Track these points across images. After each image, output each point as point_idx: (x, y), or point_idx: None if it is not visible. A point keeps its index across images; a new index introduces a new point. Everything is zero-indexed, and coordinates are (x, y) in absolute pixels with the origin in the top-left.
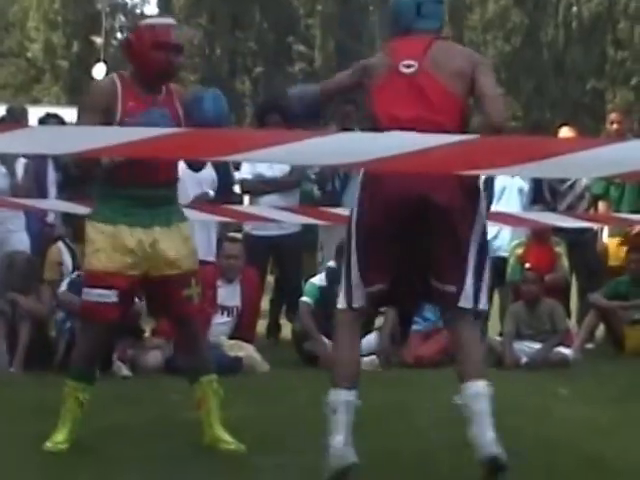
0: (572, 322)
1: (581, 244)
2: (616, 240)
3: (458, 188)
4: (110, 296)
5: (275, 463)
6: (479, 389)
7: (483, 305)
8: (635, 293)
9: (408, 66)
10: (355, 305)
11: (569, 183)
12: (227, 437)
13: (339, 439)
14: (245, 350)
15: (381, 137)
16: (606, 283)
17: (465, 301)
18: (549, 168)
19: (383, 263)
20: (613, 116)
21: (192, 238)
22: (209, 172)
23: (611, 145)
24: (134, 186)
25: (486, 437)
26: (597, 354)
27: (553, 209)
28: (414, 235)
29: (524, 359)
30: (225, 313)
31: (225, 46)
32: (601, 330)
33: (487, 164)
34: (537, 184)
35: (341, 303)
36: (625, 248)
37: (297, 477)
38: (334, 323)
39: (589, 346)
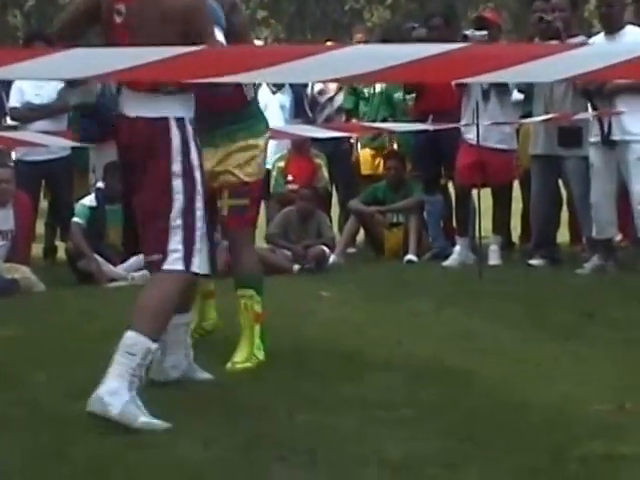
0: (334, 229)
1: (339, 155)
2: (368, 150)
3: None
4: None
5: (48, 376)
6: (126, 340)
7: (197, 267)
8: (392, 198)
9: (119, 12)
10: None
11: (328, 97)
12: None
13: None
14: (21, 272)
15: (116, 51)
16: (361, 190)
17: (172, 264)
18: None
19: None
20: (358, 37)
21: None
22: None
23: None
24: None
25: (100, 389)
26: (358, 258)
27: (313, 122)
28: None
29: (295, 266)
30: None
31: None
32: (362, 235)
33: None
34: (298, 99)
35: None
36: (378, 157)
37: (67, 390)
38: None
39: (351, 250)
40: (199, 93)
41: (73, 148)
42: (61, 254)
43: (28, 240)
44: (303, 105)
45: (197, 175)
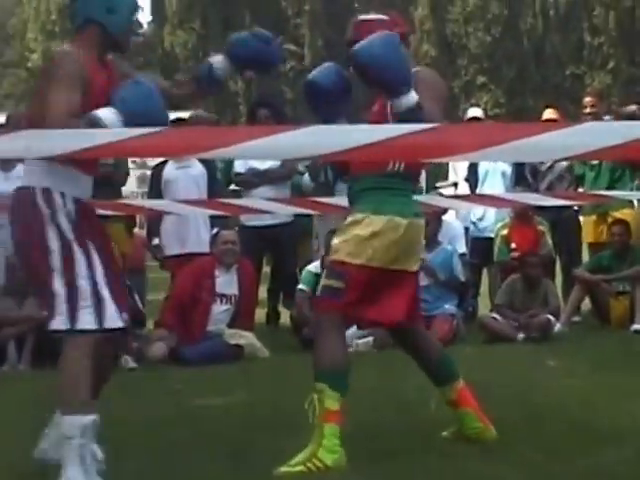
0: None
1: (562, 222)
2: (590, 218)
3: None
4: None
5: (275, 444)
6: (61, 427)
7: (83, 323)
8: (618, 266)
9: None
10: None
11: (548, 165)
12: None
13: None
14: (245, 338)
15: (351, 129)
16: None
17: (58, 324)
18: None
19: None
20: (587, 100)
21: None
22: (199, 169)
23: (560, 130)
24: None
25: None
26: (583, 327)
27: (534, 190)
28: None
29: (520, 335)
30: (224, 301)
31: (217, 48)
32: (586, 303)
33: (449, 151)
34: (519, 167)
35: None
36: (602, 225)
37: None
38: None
39: (576, 319)
40: None
41: (296, 215)
42: (284, 320)
43: (252, 306)
44: (524, 172)
45: (75, 249)
